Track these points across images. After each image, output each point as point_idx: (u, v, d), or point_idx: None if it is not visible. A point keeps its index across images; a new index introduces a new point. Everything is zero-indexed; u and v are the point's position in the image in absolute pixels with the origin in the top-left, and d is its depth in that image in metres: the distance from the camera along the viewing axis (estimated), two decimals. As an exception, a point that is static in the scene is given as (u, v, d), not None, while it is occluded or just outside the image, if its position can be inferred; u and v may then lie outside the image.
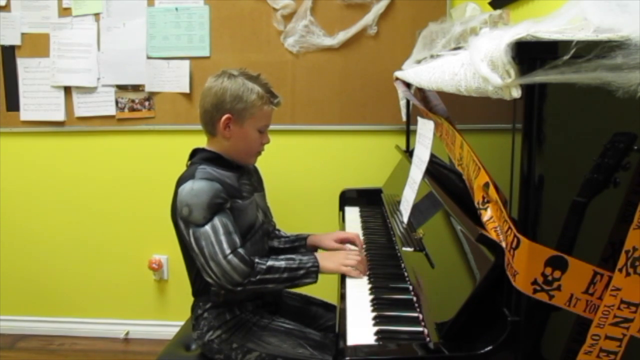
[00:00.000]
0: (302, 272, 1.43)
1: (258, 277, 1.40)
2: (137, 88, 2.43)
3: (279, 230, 1.82)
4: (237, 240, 1.42)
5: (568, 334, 0.84)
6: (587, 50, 0.71)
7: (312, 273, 1.44)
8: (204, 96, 1.54)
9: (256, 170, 1.74)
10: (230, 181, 1.51)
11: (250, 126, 1.53)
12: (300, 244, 1.76)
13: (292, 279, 1.43)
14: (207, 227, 1.40)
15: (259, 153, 1.61)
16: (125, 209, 2.54)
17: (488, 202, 0.92)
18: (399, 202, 1.61)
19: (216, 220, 1.41)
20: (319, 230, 2.32)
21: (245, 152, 1.57)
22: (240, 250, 1.40)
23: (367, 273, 1.44)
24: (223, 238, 1.39)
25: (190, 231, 1.42)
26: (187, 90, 2.39)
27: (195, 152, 1.59)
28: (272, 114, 1.58)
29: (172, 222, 1.53)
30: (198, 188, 1.42)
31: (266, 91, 1.54)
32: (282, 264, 1.43)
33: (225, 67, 1.58)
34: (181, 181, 1.47)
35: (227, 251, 1.38)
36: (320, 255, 1.48)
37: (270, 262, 1.43)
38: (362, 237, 1.76)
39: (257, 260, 1.42)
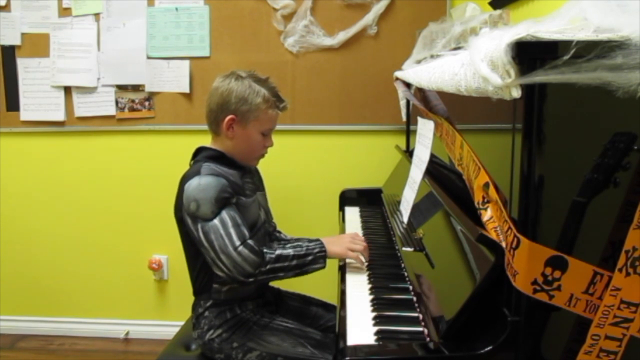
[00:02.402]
0: (310, 257, 1.45)
1: (268, 266, 1.42)
2: (137, 88, 2.43)
3: (279, 232, 1.82)
4: (246, 231, 1.43)
5: (568, 334, 0.84)
6: (587, 50, 0.71)
7: (320, 258, 1.46)
8: (211, 95, 1.55)
9: (257, 171, 1.74)
10: (234, 179, 1.52)
11: (253, 128, 1.53)
12: None
13: (301, 265, 1.45)
14: (216, 221, 1.41)
15: (261, 155, 1.62)
16: (125, 209, 2.54)
17: (488, 202, 0.92)
18: (399, 202, 1.61)
19: (224, 214, 1.42)
20: (318, 232, 2.33)
21: (247, 154, 1.58)
22: (250, 242, 1.42)
23: (367, 273, 1.43)
24: (232, 230, 1.41)
25: (199, 226, 1.42)
26: (187, 90, 2.39)
27: (199, 151, 1.59)
28: (277, 118, 1.58)
29: (175, 219, 1.54)
30: (205, 183, 1.43)
31: (273, 95, 1.54)
32: (290, 251, 1.45)
33: (230, 68, 1.58)
34: (186, 178, 1.48)
35: (237, 243, 1.40)
36: (326, 240, 1.49)
37: (278, 251, 1.44)
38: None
39: (265, 250, 1.44)
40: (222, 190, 1.43)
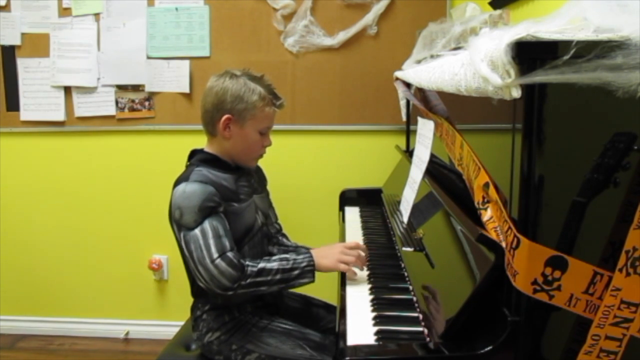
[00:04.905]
0: (296, 272, 1.40)
1: (249, 280, 1.37)
2: (137, 88, 2.43)
3: (282, 236, 1.79)
4: (227, 244, 1.39)
5: (568, 334, 0.84)
6: (587, 50, 0.71)
7: (308, 272, 1.40)
8: (205, 96, 1.53)
9: (258, 171, 1.72)
10: (227, 183, 1.49)
11: (250, 127, 1.51)
12: None
13: (286, 280, 1.40)
14: (197, 231, 1.38)
15: (260, 156, 1.59)
16: (125, 209, 2.54)
17: (488, 202, 0.92)
18: (399, 202, 1.61)
19: (206, 224, 1.38)
20: (318, 232, 2.34)
21: (245, 154, 1.55)
22: (230, 254, 1.37)
23: (367, 273, 1.43)
24: (212, 242, 1.37)
25: (182, 234, 1.40)
26: (187, 90, 2.39)
27: (193, 154, 1.58)
28: (274, 115, 1.55)
29: (169, 223, 1.52)
30: (190, 191, 1.40)
31: (269, 92, 1.52)
32: (275, 265, 1.40)
33: (229, 67, 1.56)
34: (177, 183, 1.46)
35: (215, 255, 1.36)
36: (315, 252, 1.44)
37: (262, 264, 1.39)
38: (362, 237, 1.76)
39: (248, 262, 1.39)
40: (206, 199, 1.40)
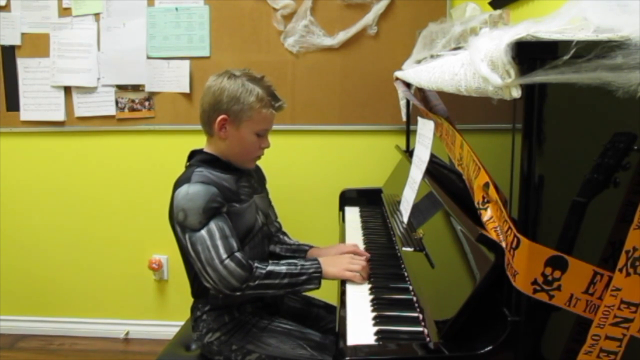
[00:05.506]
0: (304, 277, 1.40)
1: (257, 282, 1.38)
2: (137, 88, 2.43)
3: (283, 234, 1.78)
4: (235, 244, 1.39)
5: (568, 334, 0.84)
6: (587, 50, 0.71)
7: (315, 279, 1.41)
8: (204, 95, 1.52)
9: (257, 170, 1.72)
10: (228, 184, 1.49)
11: (247, 129, 1.49)
12: (300, 256, 1.71)
13: (293, 284, 1.40)
14: (203, 232, 1.37)
15: (257, 157, 1.58)
16: (125, 209, 2.54)
17: (488, 202, 0.92)
18: (399, 202, 1.61)
19: (212, 225, 1.38)
20: (318, 232, 2.34)
21: (241, 155, 1.54)
22: (238, 255, 1.37)
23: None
24: (219, 242, 1.37)
25: (187, 236, 1.40)
26: (187, 90, 2.39)
27: (193, 154, 1.57)
28: (272, 118, 1.53)
29: (169, 224, 1.51)
30: (194, 192, 1.39)
31: (268, 94, 1.50)
32: (283, 269, 1.40)
33: (229, 67, 1.55)
34: (178, 184, 1.45)
35: (224, 256, 1.36)
36: (323, 260, 1.45)
37: (270, 267, 1.40)
38: (362, 237, 1.76)
39: (256, 264, 1.39)
40: (210, 200, 1.39)
